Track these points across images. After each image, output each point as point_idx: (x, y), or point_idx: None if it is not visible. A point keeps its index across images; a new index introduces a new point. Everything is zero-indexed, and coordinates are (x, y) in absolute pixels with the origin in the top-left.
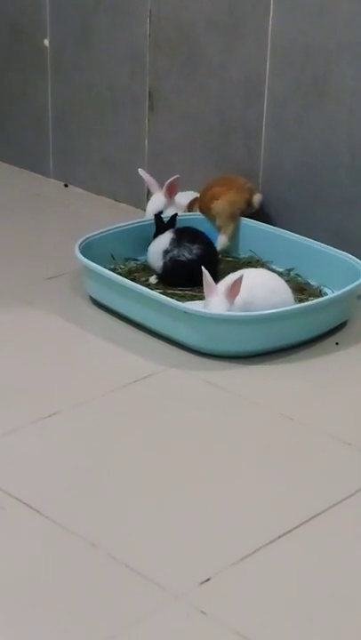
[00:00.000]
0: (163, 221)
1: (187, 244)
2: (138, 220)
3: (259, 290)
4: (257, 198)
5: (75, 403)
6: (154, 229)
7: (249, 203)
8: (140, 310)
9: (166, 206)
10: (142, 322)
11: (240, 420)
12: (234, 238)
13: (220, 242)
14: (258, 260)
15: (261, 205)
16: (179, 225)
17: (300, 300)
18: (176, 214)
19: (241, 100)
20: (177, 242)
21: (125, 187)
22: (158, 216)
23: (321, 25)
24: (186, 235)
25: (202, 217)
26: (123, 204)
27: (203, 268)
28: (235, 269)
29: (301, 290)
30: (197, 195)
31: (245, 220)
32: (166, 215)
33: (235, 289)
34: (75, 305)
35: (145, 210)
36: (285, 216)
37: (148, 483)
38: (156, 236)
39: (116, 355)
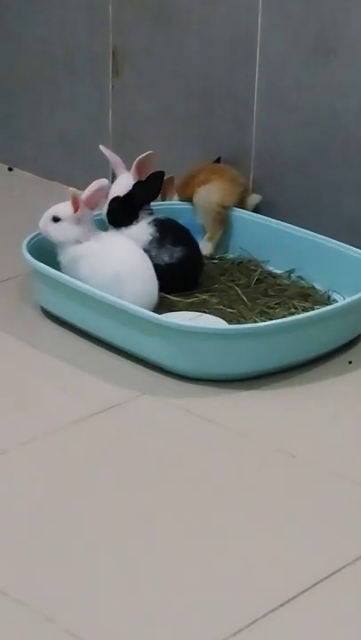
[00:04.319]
0: (134, 205)
1: (169, 246)
2: (102, 212)
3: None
4: (253, 200)
5: (24, 440)
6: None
7: (242, 201)
8: (104, 323)
9: None
10: (107, 338)
11: (231, 459)
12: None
13: (205, 249)
14: (250, 260)
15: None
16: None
17: (304, 310)
18: (162, 174)
19: (227, 62)
20: (158, 242)
21: (85, 169)
22: (130, 197)
23: None
24: (169, 233)
25: (180, 207)
26: (82, 190)
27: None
28: (221, 273)
29: (305, 296)
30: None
31: (235, 211)
32: None
33: (95, 196)
34: (23, 317)
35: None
36: (284, 205)
37: (116, 539)
38: (118, 220)
39: (75, 379)
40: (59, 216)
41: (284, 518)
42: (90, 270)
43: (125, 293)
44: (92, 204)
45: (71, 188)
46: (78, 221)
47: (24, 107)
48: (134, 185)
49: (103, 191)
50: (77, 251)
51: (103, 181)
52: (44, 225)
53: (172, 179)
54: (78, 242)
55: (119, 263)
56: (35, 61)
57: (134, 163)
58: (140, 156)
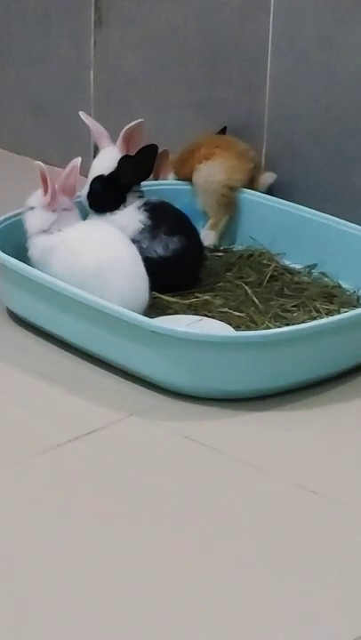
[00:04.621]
0: (121, 186)
1: (163, 236)
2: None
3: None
4: (266, 179)
5: None
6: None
7: (253, 180)
8: (84, 330)
9: None
10: (88, 347)
11: (238, 495)
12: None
13: (208, 239)
14: (262, 253)
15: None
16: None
17: (328, 314)
18: (155, 148)
19: (236, 12)
20: (150, 230)
21: (60, 142)
22: (115, 176)
23: None
24: (164, 219)
25: (177, 187)
26: (57, 167)
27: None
28: (227, 268)
29: (329, 297)
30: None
31: (244, 193)
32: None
33: (70, 182)
34: None
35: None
36: (303, 185)
37: (93, 592)
38: (100, 204)
39: (49, 397)
40: (32, 203)
41: (311, 571)
42: (63, 265)
43: (107, 294)
44: (68, 190)
45: (37, 162)
46: (51, 206)
47: None
48: (120, 160)
49: (77, 171)
50: (48, 242)
51: (76, 161)
52: (25, 218)
53: (166, 153)
54: (49, 231)
55: (98, 257)
56: (1, 13)
57: (121, 133)
58: (127, 126)
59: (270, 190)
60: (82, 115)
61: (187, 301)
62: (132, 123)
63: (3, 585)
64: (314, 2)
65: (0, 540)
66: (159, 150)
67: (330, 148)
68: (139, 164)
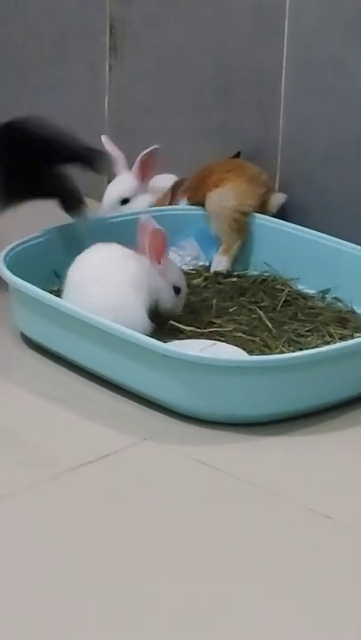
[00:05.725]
0: None
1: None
2: (96, 219)
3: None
4: (277, 199)
5: None
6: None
7: (264, 203)
8: (98, 354)
9: (136, 192)
10: (101, 371)
11: (252, 521)
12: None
13: (220, 264)
14: (276, 278)
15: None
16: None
17: (341, 338)
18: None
19: (250, 38)
20: None
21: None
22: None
23: None
24: None
25: (190, 212)
26: None
27: None
28: (241, 293)
29: (343, 321)
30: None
31: (257, 217)
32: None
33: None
34: None
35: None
36: (318, 210)
37: (113, 630)
38: None
39: (62, 421)
40: None
41: (320, 595)
42: (66, 282)
43: None
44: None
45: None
46: None
47: (4, 92)
48: None
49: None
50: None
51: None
52: None
53: (181, 181)
54: None
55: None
56: (16, 36)
57: (137, 160)
58: (143, 152)
59: (284, 215)
60: (103, 139)
61: (202, 330)
62: (148, 149)
63: (16, 608)
64: (328, 27)
65: (12, 563)
66: (176, 179)
67: (344, 174)
68: None
